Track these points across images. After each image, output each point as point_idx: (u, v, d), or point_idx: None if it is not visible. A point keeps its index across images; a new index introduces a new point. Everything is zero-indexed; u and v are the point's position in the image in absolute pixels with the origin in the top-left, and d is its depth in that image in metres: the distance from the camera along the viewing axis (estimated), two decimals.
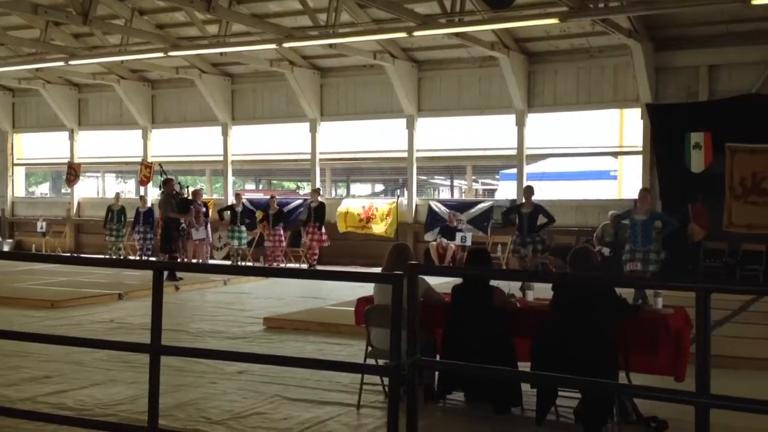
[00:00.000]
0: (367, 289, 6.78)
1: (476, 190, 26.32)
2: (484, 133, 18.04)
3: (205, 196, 18.71)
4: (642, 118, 15.95)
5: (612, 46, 15.84)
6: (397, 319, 3.65)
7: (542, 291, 6.51)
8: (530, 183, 14.46)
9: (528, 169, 17.79)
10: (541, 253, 13.23)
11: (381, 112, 18.80)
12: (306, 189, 22.63)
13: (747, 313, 10.28)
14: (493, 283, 6.08)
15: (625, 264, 10.73)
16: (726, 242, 14.90)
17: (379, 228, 18.38)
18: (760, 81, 14.87)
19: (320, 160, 19.65)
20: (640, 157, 16.25)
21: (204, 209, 17.22)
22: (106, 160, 23.64)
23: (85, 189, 26.51)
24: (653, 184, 15.77)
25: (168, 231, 14.91)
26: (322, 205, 17.10)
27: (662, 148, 15.54)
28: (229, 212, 17.56)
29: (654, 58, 15.55)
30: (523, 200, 13.29)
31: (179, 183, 16.11)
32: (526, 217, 12.85)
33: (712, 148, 14.84)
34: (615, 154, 19.65)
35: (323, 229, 17.08)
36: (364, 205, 18.88)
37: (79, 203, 22.52)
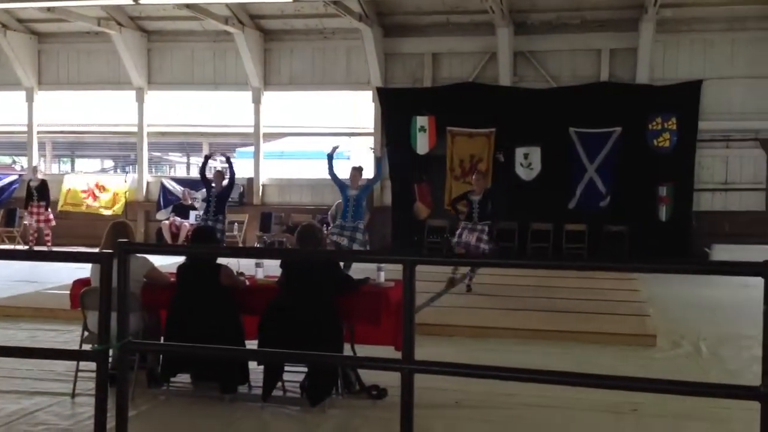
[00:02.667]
0: (87, 270, 6.34)
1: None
2: (220, 109, 17.69)
3: None
4: (373, 101, 16.57)
5: (345, 29, 16.26)
6: (106, 301, 3.41)
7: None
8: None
9: (266, 147, 17.76)
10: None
11: (108, 83, 17.73)
12: (25, 164, 20.82)
13: (464, 285, 11.12)
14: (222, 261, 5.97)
15: (333, 235, 10.93)
16: (447, 219, 16.01)
17: (107, 206, 17.37)
18: (477, 70, 16.09)
19: (39, 132, 18.09)
20: (371, 139, 16.89)
21: None
22: None
23: None
24: (383, 164, 16.45)
25: None
26: (44, 183, 15.78)
27: (391, 130, 16.28)
28: None
29: (383, 44, 16.21)
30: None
31: None
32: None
33: (435, 131, 15.86)
34: (349, 135, 20.25)
35: (49, 209, 15.80)
36: (89, 181, 17.72)
37: None
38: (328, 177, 11.18)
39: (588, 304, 9.48)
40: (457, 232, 10.76)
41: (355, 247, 10.59)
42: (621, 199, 15.03)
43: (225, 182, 12.35)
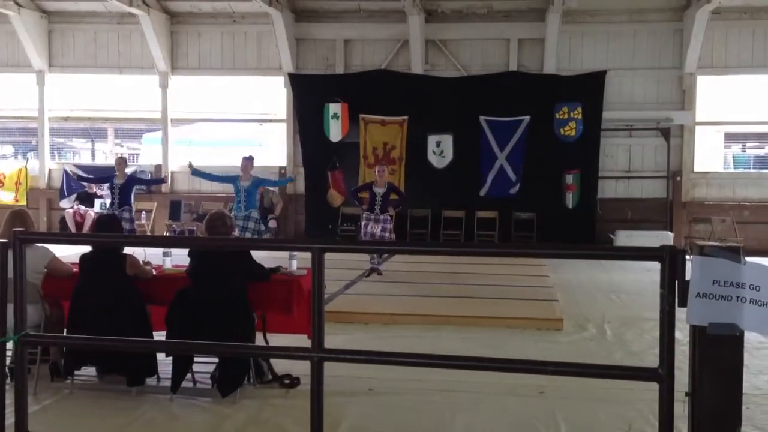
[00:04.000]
0: None
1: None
2: (126, 93, 17.15)
3: None
4: (285, 87, 16.39)
5: (254, 14, 16.01)
6: (2, 292, 3.25)
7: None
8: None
9: (174, 134, 17.33)
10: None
11: (6, 65, 16.96)
12: None
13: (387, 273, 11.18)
14: (128, 250, 5.79)
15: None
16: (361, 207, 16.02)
17: (7, 194, 16.63)
18: (389, 57, 16.12)
19: None
20: (284, 125, 16.71)
21: None
22: None
23: None
24: (296, 152, 16.35)
25: None
26: None
27: (304, 117, 16.15)
28: None
29: (294, 29, 16.05)
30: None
31: None
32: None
33: (348, 118, 15.82)
34: (260, 122, 19.96)
35: None
36: None
37: None
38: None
39: (498, 289, 9.66)
40: (362, 224, 10.95)
41: (248, 235, 10.51)
42: (530, 187, 15.37)
43: (128, 170, 11.98)
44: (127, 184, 11.96)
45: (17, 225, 5.05)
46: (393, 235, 10.96)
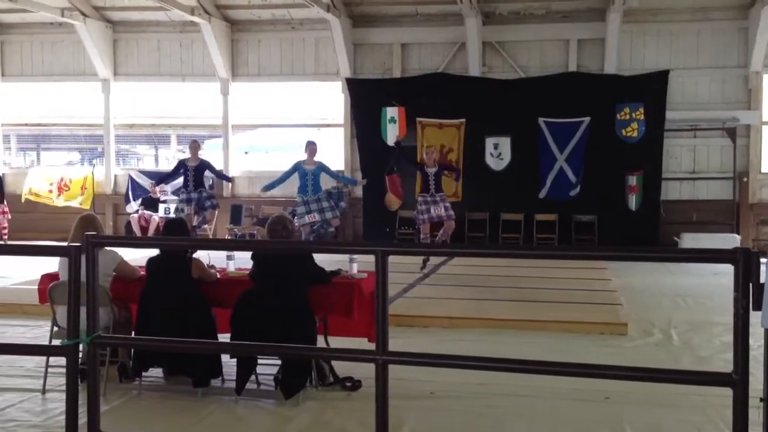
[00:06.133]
0: (56, 264, 6.23)
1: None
2: (188, 101, 17.49)
3: None
4: (343, 92, 16.49)
5: (312, 20, 16.16)
6: (75, 295, 3.34)
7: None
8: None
9: (235, 140, 17.59)
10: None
11: (73, 74, 17.46)
12: None
13: (436, 276, 11.16)
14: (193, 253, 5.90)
15: (303, 218, 10.93)
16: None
17: (73, 200, 17.11)
18: (446, 60, 16.08)
19: (3, 125, 17.81)
20: (341, 130, 16.81)
21: None
22: None
23: None
24: (353, 156, 16.43)
25: None
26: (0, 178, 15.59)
27: (361, 121, 16.22)
28: None
29: (352, 34, 16.14)
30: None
31: None
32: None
33: (405, 122, 15.83)
34: (318, 127, 20.13)
35: (4, 203, 15.56)
36: (55, 175, 17.43)
37: None
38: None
39: (559, 293, 9.54)
40: (422, 209, 10.88)
41: (329, 215, 10.62)
42: (590, 189, 15.14)
43: (201, 155, 12.23)
44: (200, 167, 12.19)
45: (88, 229, 5.18)
46: (453, 212, 11.02)
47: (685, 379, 3.72)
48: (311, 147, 11.18)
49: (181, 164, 12.59)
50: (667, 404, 5.21)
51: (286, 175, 11.61)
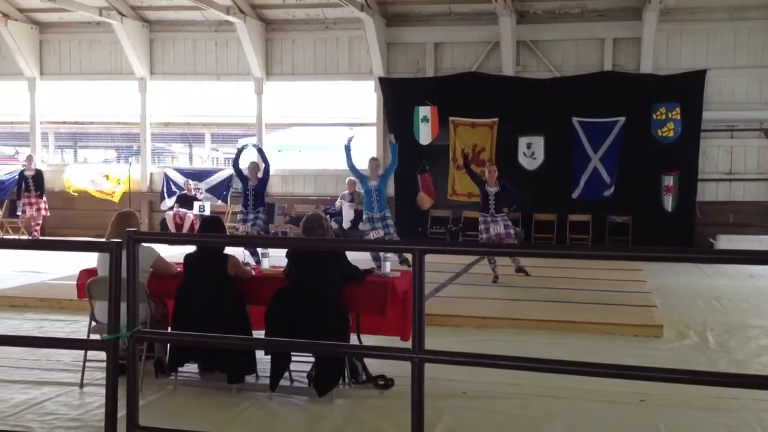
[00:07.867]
0: (93, 260, 6.33)
1: (217, 158, 25.79)
2: (222, 100, 17.64)
3: None
4: (375, 91, 16.52)
5: (346, 19, 16.20)
6: (116, 290, 3.40)
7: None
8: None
9: (268, 138, 17.71)
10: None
11: (110, 73, 17.72)
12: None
13: (467, 275, 11.14)
14: (228, 251, 5.97)
15: (369, 234, 10.97)
16: (450, 209, 16.02)
17: (110, 196, 17.38)
18: (479, 60, 16.03)
19: (41, 123, 18.10)
20: (374, 129, 16.84)
21: None
22: None
23: None
24: (386, 155, 16.44)
25: None
26: (39, 173, 15.81)
27: (394, 120, 16.23)
28: None
29: (385, 33, 16.16)
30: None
31: None
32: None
33: (438, 121, 15.82)
34: (351, 125, 20.18)
35: (43, 199, 15.82)
36: (92, 172, 17.72)
37: None
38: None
39: (593, 294, 9.47)
40: (481, 228, 10.67)
41: (392, 231, 10.71)
42: (625, 189, 15.00)
43: (260, 174, 12.15)
44: (260, 186, 12.15)
45: (126, 225, 5.25)
46: (514, 231, 10.75)
47: (724, 382, 3.68)
48: (375, 163, 11.18)
49: (245, 180, 12.26)
50: (703, 407, 5.15)
51: (355, 170, 11.25)
